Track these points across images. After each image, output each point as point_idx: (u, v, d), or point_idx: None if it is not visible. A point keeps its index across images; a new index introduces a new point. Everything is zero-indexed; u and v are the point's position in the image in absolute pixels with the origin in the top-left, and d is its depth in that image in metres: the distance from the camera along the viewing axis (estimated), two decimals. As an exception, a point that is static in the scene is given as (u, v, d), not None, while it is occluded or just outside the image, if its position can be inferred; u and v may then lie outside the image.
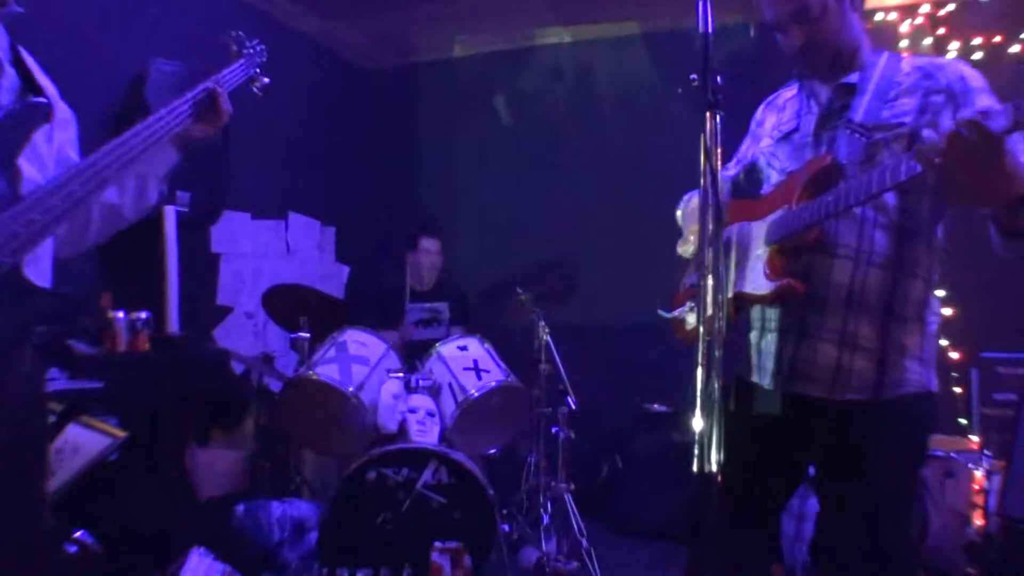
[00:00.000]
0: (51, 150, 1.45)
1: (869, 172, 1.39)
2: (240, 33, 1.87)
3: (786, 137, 1.71)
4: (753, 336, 1.71)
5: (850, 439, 1.52)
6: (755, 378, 1.68)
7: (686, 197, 1.96)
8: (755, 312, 1.69)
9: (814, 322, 1.55)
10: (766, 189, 1.75)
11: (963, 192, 1.24)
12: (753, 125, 1.92)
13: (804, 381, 1.56)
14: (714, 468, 1.15)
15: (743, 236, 1.68)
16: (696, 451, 1.16)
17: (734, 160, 1.96)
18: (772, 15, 1.60)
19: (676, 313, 1.82)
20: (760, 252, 1.60)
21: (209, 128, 1.67)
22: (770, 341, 1.63)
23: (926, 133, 1.25)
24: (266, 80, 1.90)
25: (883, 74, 1.58)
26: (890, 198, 1.51)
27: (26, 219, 1.25)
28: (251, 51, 1.90)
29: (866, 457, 1.51)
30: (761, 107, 1.91)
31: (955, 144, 1.17)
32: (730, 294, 1.63)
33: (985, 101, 1.49)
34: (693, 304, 1.75)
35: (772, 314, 1.63)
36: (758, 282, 1.56)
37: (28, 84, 1.38)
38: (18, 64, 1.38)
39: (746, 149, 1.93)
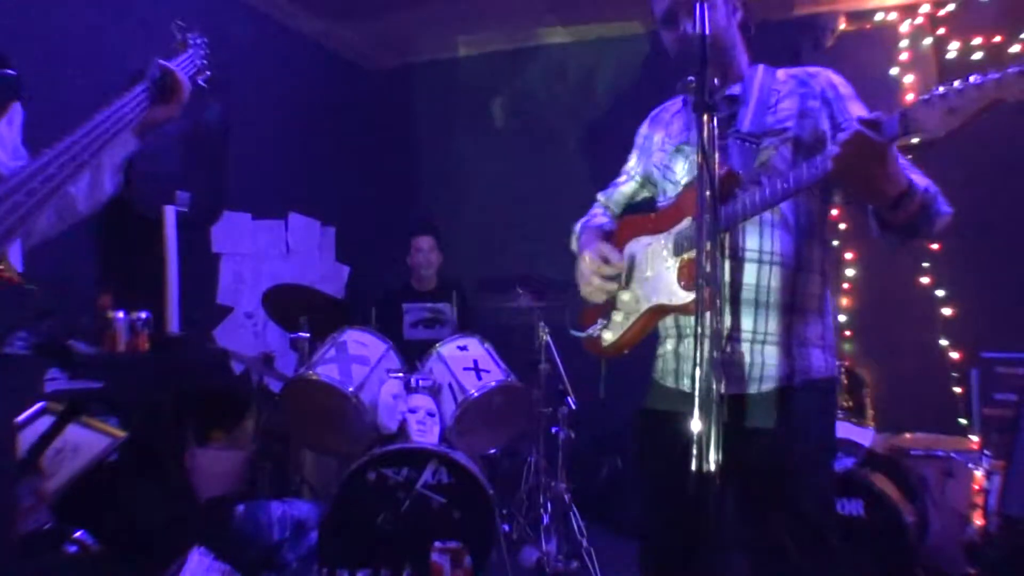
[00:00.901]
0: (11, 134, 1.43)
1: (778, 176, 1.48)
2: (183, 23, 1.85)
3: (678, 150, 1.79)
4: (670, 344, 1.76)
5: (766, 426, 1.58)
6: (675, 383, 1.73)
7: (578, 225, 2.04)
8: (669, 320, 1.74)
9: (729, 323, 1.61)
10: (664, 201, 1.83)
11: (853, 190, 1.40)
12: (640, 139, 1.99)
13: (726, 381, 1.59)
14: (712, 468, 1.15)
15: (648, 250, 1.73)
16: (695, 451, 1.16)
17: (623, 175, 2.04)
18: (663, 8, 1.69)
19: (589, 332, 1.85)
20: (670, 264, 1.66)
21: (169, 111, 1.65)
22: (689, 347, 1.68)
23: (840, 136, 1.35)
24: (209, 72, 1.87)
25: (762, 84, 1.70)
26: (786, 201, 1.59)
27: (12, 202, 1.23)
28: (196, 43, 1.87)
29: (782, 439, 1.57)
30: (646, 122, 1.99)
31: (851, 148, 1.31)
32: (645, 307, 1.71)
33: (855, 107, 1.64)
34: (604, 322, 1.81)
35: (688, 320, 1.68)
36: (675, 293, 1.63)
37: None
38: None
39: (636, 163, 2.00)
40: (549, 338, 3.67)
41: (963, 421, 3.85)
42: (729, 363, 1.58)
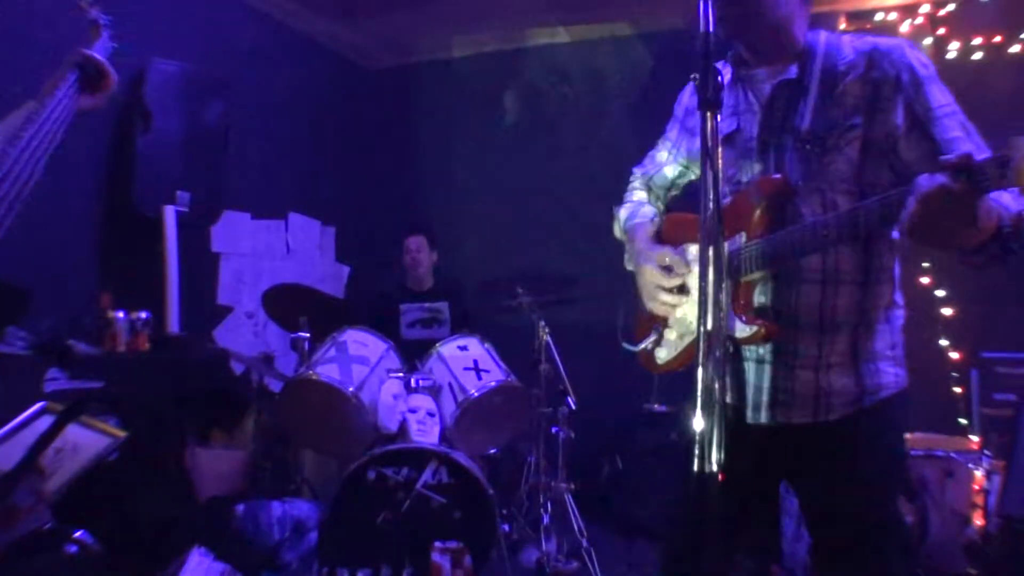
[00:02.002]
0: None
1: (844, 213, 1.29)
2: (88, 1, 1.82)
3: (728, 138, 1.55)
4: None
5: (836, 454, 1.47)
6: (735, 401, 1.58)
7: (624, 210, 1.83)
8: None
9: (788, 349, 1.47)
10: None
11: (930, 244, 1.16)
12: (680, 111, 1.76)
13: (786, 409, 1.49)
14: (714, 468, 1.13)
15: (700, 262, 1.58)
16: (696, 451, 1.14)
17: (663, 150, 1.80)
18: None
19: (643, 345, 1.68)
20: (723, 284, 1.43)
21: (96, 101, 1.64)
22: (750, 371, 1.53)
23: (921, 180, 1.11)
24: (115, 45, 1.84)
25: (825, 64, 1.45)
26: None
27: (9, 182, 1.25)
28: (104, 22, 1.85)
29: (854, 467, 1.47)
30: (688, 91, 1.74)
31: (934, 203, 1.09)
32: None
33: (937, 93, 1.40)
34: (657, 335, 1.65)
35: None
36: (733, 323, 1.44)
37: None
38: None
39: (677, 139, 1.77)
40: (549, 338, 3.66)
41: (963, 421, 3.85)
42: (787, 391, 1.48)
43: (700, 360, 1.14)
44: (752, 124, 1.52)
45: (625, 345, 1.75)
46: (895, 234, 1.49)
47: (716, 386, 1.14)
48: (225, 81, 3.93)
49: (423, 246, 4.20)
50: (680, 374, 1.66)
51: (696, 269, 1.50)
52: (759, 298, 1.47)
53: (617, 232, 1.86)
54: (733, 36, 1.50)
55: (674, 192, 1.85)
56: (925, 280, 4.23)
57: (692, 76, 1.26)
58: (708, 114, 1.15)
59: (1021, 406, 3.05)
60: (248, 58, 4.49)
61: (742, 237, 1.45)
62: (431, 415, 3.09)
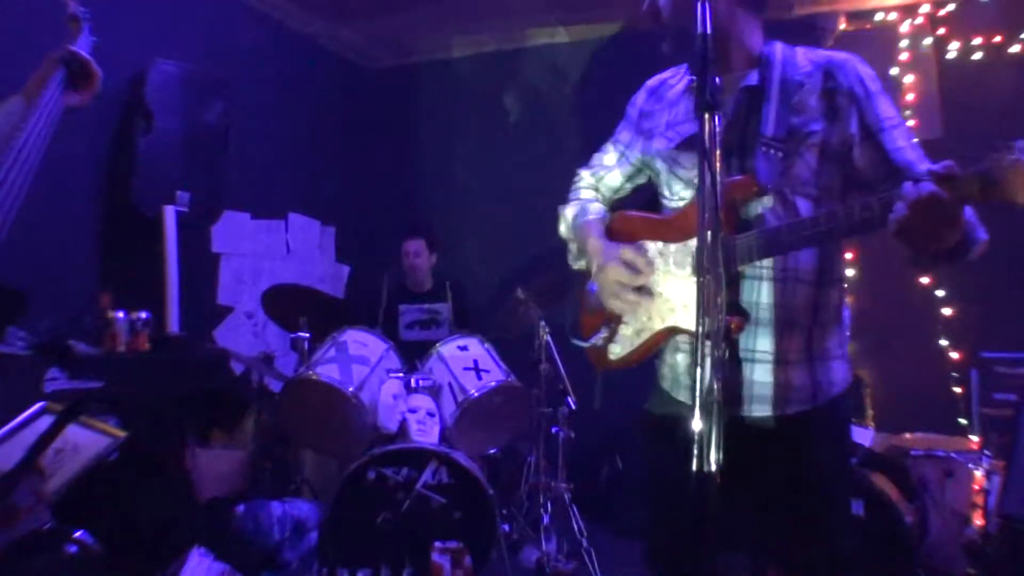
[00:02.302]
0: None
1: (822, 213, 1.34)
2: None
3: (688, 142, 1.59)
4: (682, 359, 1.63)
5: (794, 447, 1.53)
6: (688, 399, 1.60)
7: (571, 208, 1.84)
8: (684, 335, 1.59)
9: (748, 344, 1.53)
10: (671, 199, 1.65)
11: (910, 245, 1.25)
12: (634, 113, 1.78)
13: (747, 403, 1.54)
14: (713, 468, 1.13)
15: (659, 260, 1.58)
16: (696, 451, 1.15)
17: (612, 152, 1.83)
18: (648, 9, 1.56)
19: (592, 342, 1.70)
20: (688, 283, 1.52)
21: (83, 99, 1.64)
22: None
23: (905, 188, 1.19)
24: (96, 39, 1.82)
25: (783, 74, 1.52)
26: (809, 214, 1.47)
27: (9, 183, 1.26)
28: (85, 16, 1.83)
29: (811, 459, 1.53)
30: (641, 93, 1.78)
31: (920, 208, 1.15)
32: (659, 326, 1.57)
33: (885, 106, 1.49)
34: (607, 331, 1.67)
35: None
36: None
37: None
38: None
39: (629, 141, 1.78)
40: (549, 338, 3.66)
41: (963, 421, 3.85)
42: (748, 385, 1.52)
43: (699, 360, 1.15)
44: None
45: (574, 341, 1.75)
46: None
47: (716, 387, 1.15)
48: (225, 81, 3.92)
49: (422, 249, 4.20)
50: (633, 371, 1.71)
51: (658, 267, 1.57)
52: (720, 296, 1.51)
53: (563, 231, 1.87)
54: (680, 51, 1.54)
55: (620, 195, 1.87)
56: (925, 280, 4.23)
57: (691, 79, 1.25)
58: (707, 116, 1.16)
59: (1021, 406, 3.05)
60: (248, 58, 4.49)
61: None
62: (431, 415, 3.09)
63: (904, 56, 4.44)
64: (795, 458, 1.53)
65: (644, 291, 1.58)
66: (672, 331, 1.57)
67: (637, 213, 1.71)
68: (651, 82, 1.78)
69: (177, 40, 3.89)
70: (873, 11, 4.56)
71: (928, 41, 4.40)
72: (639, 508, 3.99)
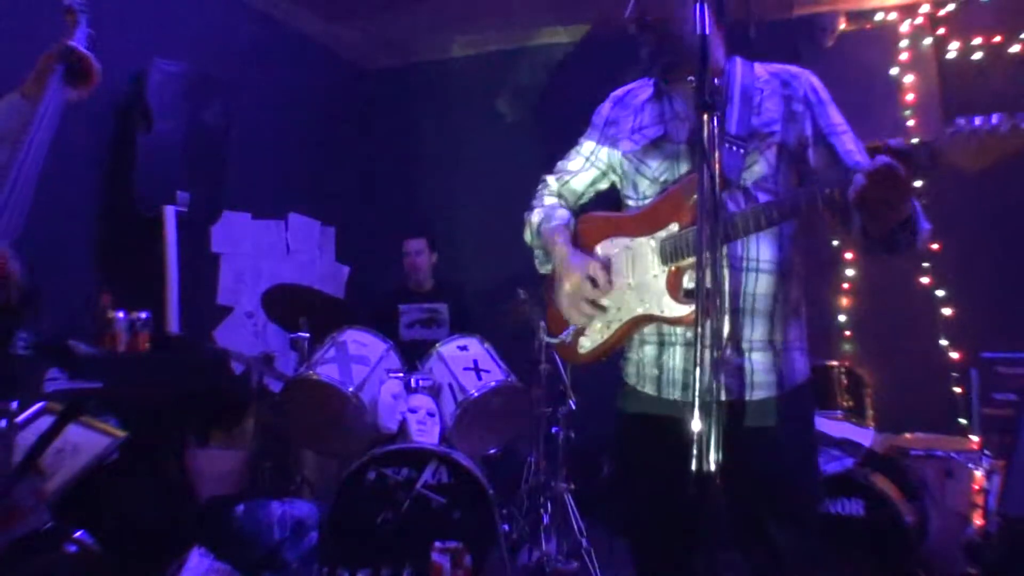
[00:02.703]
0: None
1: (787, 195, 1.48)
2: None
3: (655, 144, 1.70)
4: (649, 350, 1.68)
5: (759, 430, 1.57)
6: (656, 391, 1.66)
7: (536, 214, 1.91)
8: (649, 327, 1.66)
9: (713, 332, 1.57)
10: (636, 197, 1.73)
11: (867, 215, 1.38)
12: (600, 122, 1.88)
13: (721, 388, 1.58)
14: (712, 468, 1.14)
15: (627, 254, 1.66)
16: (695, 451, 1.16)
17: (578, 158, 1.91)
18: (633, 14, 1.65)
19: (562, 337, 1.77)
20: (657, 272, 1.61)
21: (82, 92, 1.65)
22: (674, 355, 1.64)
23: (857, 178, 1.31)
24: (93, 31, 1.83)
25: (743, 81, 1.65)
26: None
27: (17, 189, 1.29)
28: (82, 8, 1.83)
29: (777, 446, 1.57)
30: (608, 103, 1.88)
31: (878, 178, 1.28)
32: (628, 316, 1.64)
33: (835, 114, 1.63)
34: (575, 327, 1.74)
35: (675, 328, 1.63)
36: (667, 304, 1.58)
37: None
38: None
39: (595, 147, 1.87)
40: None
41: (963, 421, 3.85)
42: (728, 371, 1.57)
43: (697, 360, 1.19)
44: (680, 130, 1.68)
45: (545, 338, 1.84)
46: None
47: (715, 386, 1.16)
48: (225, 81, 3.93)
49: (423, 249, 4.21)
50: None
51: (616, 281, 1.66)
52: (688, 284, 1.59)
53: (527, 237, 1.95)
54: (654, 58, 1.67)
55: (583, 201, 1.94)
56: (925, 280, 4.23)
57: (689, 79, 1.29)
58: (706, 116, 1.18)
59: (1021, 406, 3.05)
60: (248, 58, 4.49)
61: (675, 227, 1.59)
62: (431, 415, 3.09)
63: (904, 56, 4.44)
64: (760, 444, 1.56)
65: (598, 307, 1.67)
66: (642, 319, 1.64)
67: (601, 213, 1.79)
68: (617, 92, 1.89)
69: (177, 40, 3.89)
70: (873, 11, 4.56)
71: (928, 41, 4.40)
72: (628, 511, 3.99)
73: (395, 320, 4.14)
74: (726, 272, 1.58)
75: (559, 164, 1.97)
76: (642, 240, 1.64)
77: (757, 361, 1.60)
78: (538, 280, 3.89)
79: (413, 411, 3.08)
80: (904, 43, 4.46)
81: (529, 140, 5.31)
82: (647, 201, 1.69)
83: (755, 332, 1.60)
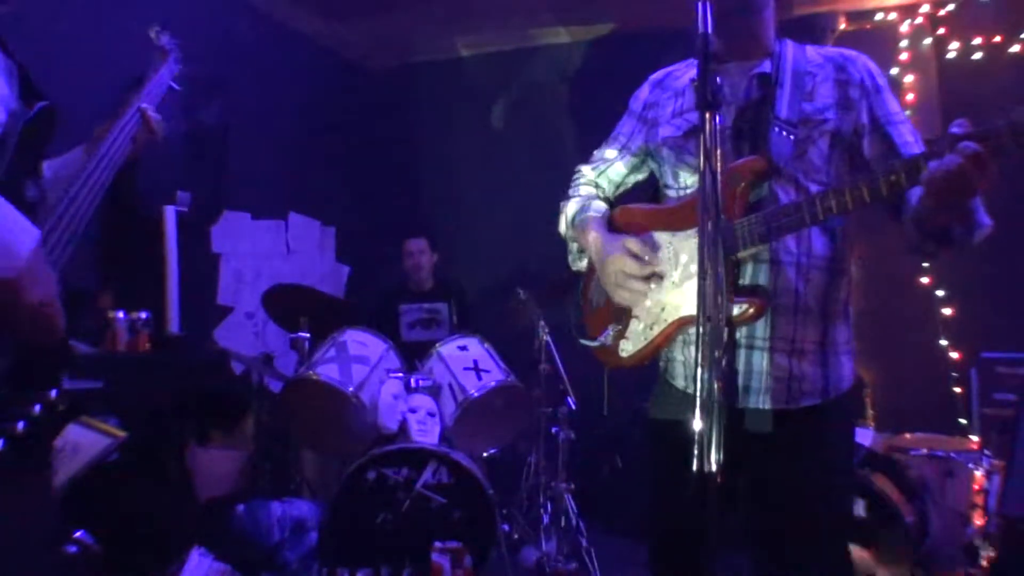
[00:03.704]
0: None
1: (831, 189, 1.35)
2: (159, 28, 1.84)
3: (694, 130, 1.57)
4: (695, 351, 1.56)
5: (803, 441, 1.50)
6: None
7: (571, 204, 1.80)
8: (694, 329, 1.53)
9: (764, 332, 1.49)
10: (677, 188, 1.62)
11: (941, 204, 1.29)
12: (638, 106, 1.76)
13: (758, 394, 1.50)
14: (713, 468, 1.13)
15: (670, 250, 1.54)
16: (696, 451, 1.14)
17: (615, 146, 1.80)
18: None
19: (601, 341, 1.65)
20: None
21: (142, 145, 1.68)
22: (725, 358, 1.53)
23: (933, 165, 1.24)
24: (181, 67, 1.87)
25: (795, 65, 1.54)
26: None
27: (63, 226, 1.32)
28: (172, 47, 1.87)
29: (820, 455, 1.50)
30: (646, 86, 1.77)
31: (970, 157, 1.20)
32: (673, 317, 1.53)
33: (893, 103, 1.53)
34: (617, 329, 1.62)
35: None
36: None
37: (28, 88, 1.38)
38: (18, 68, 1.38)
39: (633, 134, 1.76)
40: (549, 338, 3.66)
41: (963, 421, 3.85)
42: (775, 376, 1.49)
43: (699, 360, 1.16)
44: (726, 115, 1.55)
45: (582, 341, 1.71)
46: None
47: (717, 386, 1.14)
48: (225, 81, 3.93)
49: (424, 248, 4.21)
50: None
51: (667, 257, 1.53)
52: (740, 280, 1.49)
53: (562, 228, 1.83)
54: (723, 23, 1.48)
55: (622, 191, 1.84)
56: (925, 280, 4.23)
57: (691, 79, 1.25)
58: (708, 114, 1.17)
59: (1021, 406, 3.05)
60: (248, 58, 4.49)
61: (721, 220, 1.45)
62: (431, 415, 3.09)
63: (904, 56, 4.44)
64: (800, 455, 1.49)
65: (654, 278, 1.53)
66: (686, 321, 1.52)
67: (639, 205, 1.68)
68: (655, 75, 1.77)
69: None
70: (873, 11, 4.56)
71: (928, 41, 4.40)
72: (640, 508, 3.99)
73: (395, 320, 4.14)
74: (779, 268, 1.48)
75: (596, 153, 1.86)
76: (682, 235, 1.53)
77: (807, 365, 1.50)
78: (538, 280, 3.90)
79: (413, 411, 3.08)
80: (904, 43, 4.46)
81: (529, 141, 5.32)
82: (687, 192, 1.59)
83: (807, 333, 1.50)
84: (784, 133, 1.47)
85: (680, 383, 1.62)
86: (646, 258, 1.54)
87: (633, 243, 1.55)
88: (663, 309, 1.54)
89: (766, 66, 1.55)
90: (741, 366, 1.51)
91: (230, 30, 4.43)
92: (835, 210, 1.33)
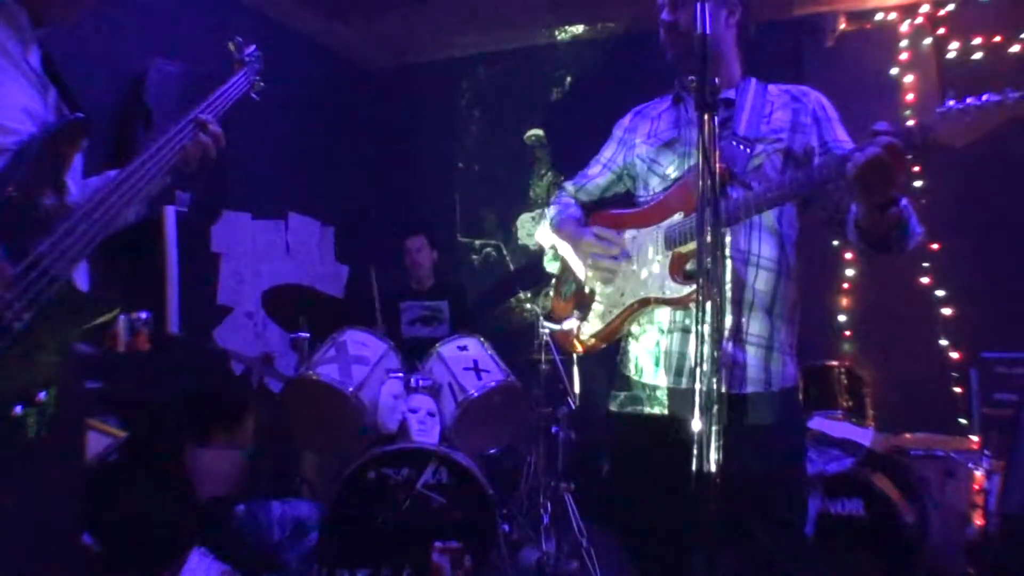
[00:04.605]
0: (78, 161, 1.47)
1: (778, 178, 1.55)
2: (240, 39, 1.88)
3: (667, 145, 1.80)
4: (647, 338, 1.74)
5: (749, 425, 1.58)
6: (651, 379, 1.71)
7: (551, 210, 2.02)
8: (652, 315, 1.72)
9: (711, 319, 1.60)
10: (646, 195, 1.82)
11: (864, 192, 1.45)
12: (620, 132, 1.99)
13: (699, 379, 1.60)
14: (713, 468, 1.14)
15: (632, 243, 1.76)
16: (695, 451, 1.16)
17: (597, 165, 2.01)
18: (668, 19, 1.74)
19: (566, 324, 1.85)
20: (660, 257, 1.68)
21: (196, 157, 1.69)
22: (674, 341, 1.69)
23: (857, 155, 1.40)
24: (262, 84, 1.91)
25: (755, 93, 1.75)
26: (774, 207, 1.64)
27: (81, 230, 1.29)
28: (251, 58, 1.91)
29: (765, 443, 1.58)
30: (628, 116, 2.00)
31: (880, 152, 1.37)
32: (630, 300, 1.72)
33: (841, 131, 1.72)
34: (579, 315, 1.82)
35: (677, 315, 1.69)
36: (668, 286, 1.65)
37: (65, 99, 1.39)
38: (55, 79, 1.39)
39: (613, 154, 1.98)
40: (549, 338, 3.66)
41: (963, 421, 3.85)
42: (726, 362, 1.58)
43: (699, 360, 1.20)
44: (693, 133, 1.75)
45: (547, 324, 1.93)
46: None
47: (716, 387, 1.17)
48: (225, 81, 3.92)
49: (424, 246, 4.21)
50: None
51: (628, 244, 1.77)
52: (689, 267, 1.66)
53: (541, 234, 2.04)
54: (677, 60, 1.76)
55: (599, 203, 2.03)
56: (925, 280, 4.23)
57: (690, 80, 1.32)
58: (707, 116, 1.20)
59: (1021, 406, 3.05)
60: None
61: (679, 216, 1.68)
62: (431, 415, 3.09)
63: (904, 56, 4.44)
64: (752, 441, 1.54)
65: (621, 255, 1.76)
66: (644, 303, 1.70)
67: (612, 209, 1.89)
68: (637, 107, 2.00)
69: (177, 40, 3.88)
70: (873, 11, 4.56)
71: (928, 41, 4.40)
72: (629, 510, 3.98)
73: (396, 318, 4.14)
74: (728, 263, 1.62)
75: (580, 172, 2.08)
76: (648, 229, 1.73)
77: (751, 356, 1.63)
78: (537, 280, 3.90)
79: (413, 411, 3.08)
80: (904, 43, 4.46)
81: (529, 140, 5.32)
82: (655, 196, 1.79)
83: (751, 327, 1.64)
84: (741, 147, 1.67)
85: (630, 371, 1.78)
86: (611, 240, 1.77)
87: (600, 229, 1.80)
88: (622, 294, 1.75)
89: (730, 93, 1.76)
90: (688, 349, 1.66)
91: (230, 30, 4.43)
92: (776, 199, 1.54)
